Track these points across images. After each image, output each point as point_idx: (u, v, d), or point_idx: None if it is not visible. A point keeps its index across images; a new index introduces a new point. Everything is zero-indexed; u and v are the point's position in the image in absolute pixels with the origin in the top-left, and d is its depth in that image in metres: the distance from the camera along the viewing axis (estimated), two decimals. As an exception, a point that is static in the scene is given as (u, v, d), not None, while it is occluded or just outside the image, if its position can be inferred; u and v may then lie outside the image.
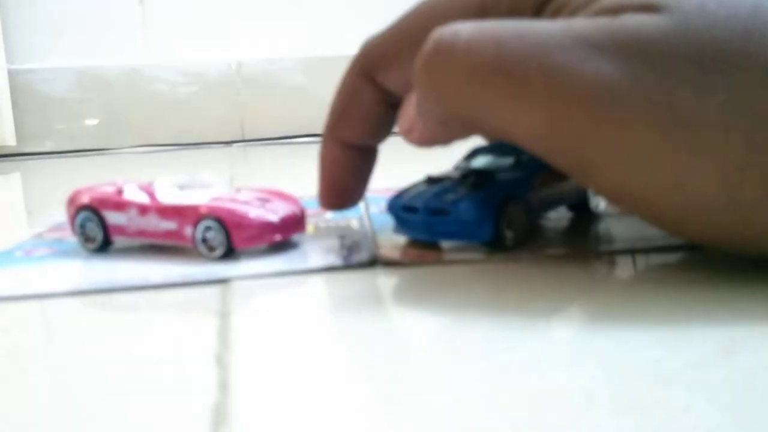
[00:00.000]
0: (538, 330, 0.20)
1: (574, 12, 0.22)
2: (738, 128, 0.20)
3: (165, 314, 0.25)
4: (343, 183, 0.31)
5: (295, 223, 0.30)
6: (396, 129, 0.28)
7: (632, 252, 0.27)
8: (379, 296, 0.25)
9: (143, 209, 0.30)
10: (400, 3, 0.29)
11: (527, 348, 0.19)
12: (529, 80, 0.22)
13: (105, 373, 0.19)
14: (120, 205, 0.30)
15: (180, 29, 0.93)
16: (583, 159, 0.22)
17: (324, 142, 0.30)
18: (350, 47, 0.29)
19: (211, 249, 0.28)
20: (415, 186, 0.30)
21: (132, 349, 0.21)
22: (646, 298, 0.22)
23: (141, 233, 0.30)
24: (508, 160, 0.30)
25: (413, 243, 0.29)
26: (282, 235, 0.29)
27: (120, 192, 0.31)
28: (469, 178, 0.28)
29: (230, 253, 0.28)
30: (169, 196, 0.30)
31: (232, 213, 0.28)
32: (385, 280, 0.26)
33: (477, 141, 0.29)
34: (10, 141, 0.86)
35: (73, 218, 0.31)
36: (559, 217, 0.32)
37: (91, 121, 0.91)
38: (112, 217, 0.30)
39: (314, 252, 0.29)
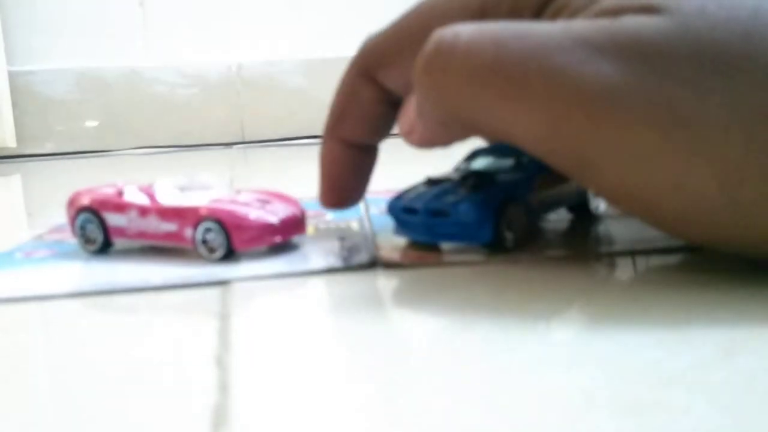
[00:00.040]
0: (538, 331, 0.20)
1: (574, 13, 0.22)
2: (738, 129, 0.20)
3: (165, 316, 0.25)
4: (344, 182, 0.31)
5: (295, 224, 0.30)
6: (396, 130, 0.28)
7: (632, 254, 0.27)
8: (379, 298, 0.25)
9: (143, 211, 0.30)
10: (400, 4, 0.29)
11: (527, 349, 0.19)
12: (529, 81, 0.22)
13: (105, 375, 0.19)
14: (120, 207, 0.30)
15: (180, 31, 0.93)
16: (583, 160, 0.22)
17: (324, 141, 0.30)
18: (350, 49, 0.30)
19: (212, 250, 0.28)
20: (415, 187, 0.30)
21: (132, 351, 0.21)
22: (646, 300, 0.22)
23: (141, 235, 0.30)
24: (508, 162, 0.30)
25: (413, 244, 0.29)
26: (282, 237, 0.29)
27: (120, 194, 0.31)
28: (469, 180, 0.28)
29: (230, 254, 0.28)
30: (169, 198, 0.30)
31: (232, 215, 0.28)
32: (385, 282, 0.26)
33: (477, 142, 0.29)
34: (10, 142, 0.86)
35: (73, 220, 0.31)
36: (559, 218, 0.32)
37: (91, 123, 0.91)
38: (113, 219, 0.30)
39: (314, 253, 0.29)
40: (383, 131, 0.30)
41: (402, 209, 0.29)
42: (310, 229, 0.32)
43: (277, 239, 0.29)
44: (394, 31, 0.28)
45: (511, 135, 0.23)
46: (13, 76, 0.87)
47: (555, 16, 0.23)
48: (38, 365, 0.21)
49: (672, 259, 0.26)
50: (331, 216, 0.35)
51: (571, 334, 0.20)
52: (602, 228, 0.31)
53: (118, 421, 0.16)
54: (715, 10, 0.20)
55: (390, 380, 0.18)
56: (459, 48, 0.23)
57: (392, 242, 0.30)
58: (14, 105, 0.87)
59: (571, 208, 0.32)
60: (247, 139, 0.92)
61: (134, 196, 0.30)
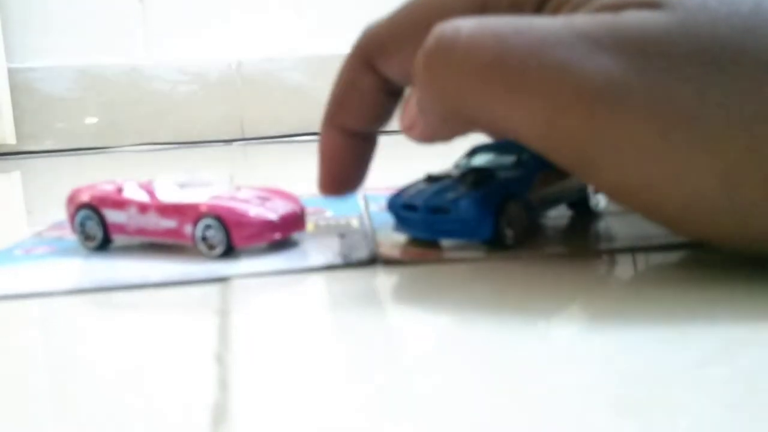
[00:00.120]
0: (538, 329, 0.20)
1: (575, 8, 0.22)
2: (738, 125, 0.20)
3: (165, 313, 0.25)
4: (343, 170, 0.31)
5: (294, 221, 0.30)
6: (397, 125, 0.28)
7: (632, 251, 0.27)
8: (378, 295, 0.25)
9: (143, 207, 0.30)
10: (399, 3, 0.29)
11: (527, 347, 0.19)
12: (529, 76, 0.22)
13: (105, 372, 0.19)
14: (120, 204, 0.30)
15: (180, 28, 0.93)
16: (583, 155, 0.22)
17: (323, 128, 0.30)
18: (349, 46, 0.29)
19: (211, 247, 0.28)
20: (415, 184, 0.30)
21: (132, 348, 0.21)
22: (646, 297, 0.22)
23: (141, 232, 0.30)
24: (508, 159, 0.30)
25: (413, 241, 0.29)
26: (282, 234, 0.29)
27: (120, 190, 0.31)
28: (469, 177, 0.28)
29: (230, 251, 0.28)
30: (168, 195, 0.30)
31: (231, 211, 0.28)
32: (384, 279, 0.26)
33: (478, 138, 0.29)
34: (9, 140, 0.86)
35: (72, 217, 0.31)
36: (559, 215, 0.32)
37: (91, 120, 0.91)
38: (112, 216, 0.30)
39: (314, 250, 0.29)
40: (383, 120, 0.30)
41: (402, 206, 0.29)
42: (309, 226, 0.32)
43: (277, 236, 0.29)
44: (395, 21, 0.27)
45: (512, 130, 0.23)
46: (12, 73, 0.87)
47: (556, 10, 0.23)
48: (38, 362, 0.21)
49: (672, 257, 0.26)
50: (330, 213, 0.35)
51: (571, 332, 0.20)
52: (602, 225, 0.31)
53: (118, 418, 0.16)
54: (716, 5, 0.20)
55: (389, 378, 0.18)
56: (460, 43, 0.23)
57: (392, 239, 0.29)
58: (14, 102, 0.87)
59: (572, 205, 0.32)
60: (246, 136, 0.92)
61: (134, 193, 0.30)
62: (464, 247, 0.28)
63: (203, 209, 0.29)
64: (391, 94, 0.29)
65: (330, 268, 0.27)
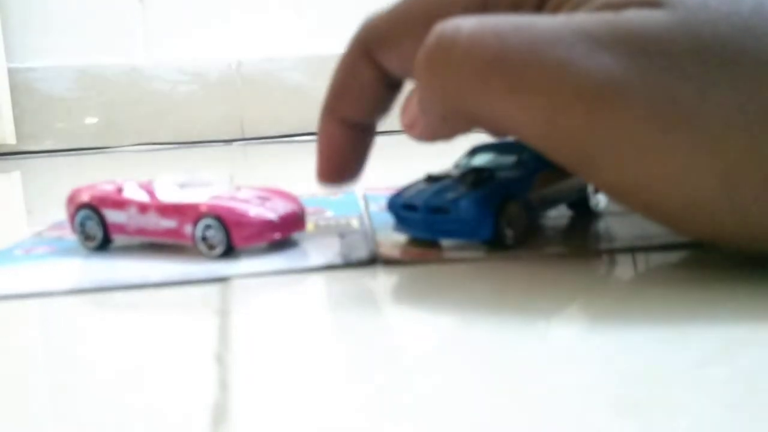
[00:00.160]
0: (538, 329, 0.20)
1: (576, 7, 0.22)
2: (738, 124, 0.20)
3: (165, 313, 0.25)
4: (342, 160, 0.31)
5: (294, 221, 0.30)
6: (396, 125, 0.28)
7: (632, 250, 0.27)
8: (378, 295, 0.25)
9: (143, 207, 0.30)
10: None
11: (527, 347, 0.19)
12: (530, 75, 0.22)
13: (105, 372, 0.19)
14: (120, 204, 0.30)
15: (180, 28, 0.93)
16: (583, 154, 0.22)
17: (322, 118, 0.30)
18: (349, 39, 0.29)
19: (211, 247, 0.28)
20: (415, 184, 0.30)
21: (132, 348, 0.21)
22: (646, 297, 0.22)
23: (141, 231, 0.30)
24: (508, 159, 0.30)
25: (413, 241, 0.29)
26: (282, 234, 0.29)
27: (120, 190, 0.31)
28: (469, 177, 0.28)
29: (230, 251, 0.28)
30: (168, 195, 0.30)
31: (231, 211, 0.28)
32: (384, 279, 0.26)
33: (478, 138, 0.29)
34: (9, 139, 0.86)
35: (72, 217, 0.31)
36: (559, 215, 0.32)
37: (91, 120, 0.91)
38: (112, 216, 0.30)
39: (314, 250, 0.29)
40: (382, 111, 0.30)
41: (402, 206, 0.29)
42: (309, 226, 0.32)
43: (277, 236, 0.29)
44: (396, 14, 0.27)
45: (512, 129, 0.23)
46: (12, 73, 0.87)
47: (557, 9, 0.23)
48: (37, 362, 0.21)
49: (672, 256, 0.26)
50: (330, 213, 0.35)
51: (571, 332, 0.20)
52: (602, 225, 0.31)
53: (118, 418, 0.16)
54: (717, 4, 0.20)
55: (389, 378, 0.18)
56: (460, 42, 0.23)
57: (392, 239, 0.29)
58: (14, 102, 0.87)
59: (572, 205, 0.32)
60: (246, 136, 0.92)
61: (134, 193, 0.30)
62: (464, 247, 0.28)
63: (203, 209, 0.29)
64: (391, 86, 0.29)
65: (330, 268, 0.27)
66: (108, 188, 0.31)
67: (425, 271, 0.26)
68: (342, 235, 0.31)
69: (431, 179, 0.29)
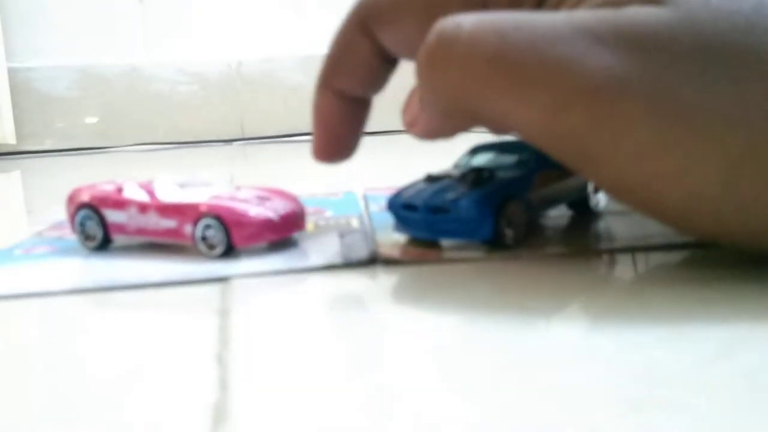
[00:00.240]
0: (538, 328, 0.20)
1: (577, 4, 0.22)
2: (739, 122, 0.20)
3: (165, 312, 0.25)
4: (337, 134, 0.30)
5: (294, 221, 0.30)
6: (399, 124, 0.28)
7: (632, 250, 0.27)
8: (378, 295, 0.25)
9: (143, 207, 0.30)
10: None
11: (527, 346, 0.19)
12: (530, 72, 0.22)
13: (105, 372, 0.19)
14: (120, 204, 0.30)
15: (180, 28, 0.93)
16: (584, 151, 0.22)
17: (317, 92, 0.30)
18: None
19: (211, 247, 0.28)
20: (414, 184, 0.30)
21: (132, 348, 0.21)
22: (646, 297, 0.22)
23: (141, 231, 0.30)
24: (508, 159, 0.30)
25: (413, 241, 0.29)
26: (282, 234, 0.29)
27: (120, 190, 0.31)
28: (469, 177, 0.28)
29: (230, 251, 0.28)
30: (168, 195, 0.30)
31: (231, 211, 0.28)
32: (384, 279, 0.26)
33: (478, 138, 0.29)
34: (10, 139, 0.86)
35: (72, 216, 0.31)
36: (559, 215, 0.32)
37: (91, 120, 0.90)
38: (112, 216, 0.30)
39: (314, 250, 0.29)
40: (377, 85, 0.30)
41: (402, 206, 0.29)
42: (309, 225, 0.32)
43: (277, 236, 0.29)
44: None
45: (513, 126, 0.23)
46: (12, 73, 0.87)
47: (558, 5, 0.23)
48: (37, 362, 0.21)
49: (672, 256, 0.26)
50: (330, 213, 0.35)
51: (572, 332, 0.20)
52: (602, 225, 0.31)
53: (118, 418, 0.16)
54: (718, 2, 0.20)
55: (389, 377, 0.18)
56: (461, 39, 0.23)
57: (392, 239, 0.29)
58: (14, 102, 0.87)
59: (572, 205, 0.32)
60: (246, 136, 0.92)
61: (134, 193, 0.30)
62: (464, 247, 0.28)
63: (203, 209, 0.29)
64: (386, 61, 0.29)
65: (330, 268, 0.27)
66: (108, 188, 0.31)
67: (425, 271, 0.26)
68: (342, 235, 0.31)
69: (431, 179, 0.29)
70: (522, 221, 0.28)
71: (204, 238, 0.28)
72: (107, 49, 0.91)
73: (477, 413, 0.15)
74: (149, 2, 0.92)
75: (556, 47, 0.21)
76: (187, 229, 0.29)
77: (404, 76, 0.29)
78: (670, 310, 0.21)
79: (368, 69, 0.29)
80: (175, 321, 0.24)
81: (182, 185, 0.30)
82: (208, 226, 0.28)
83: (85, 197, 0.31)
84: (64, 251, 0.31)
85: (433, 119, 0.25)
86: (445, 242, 0.29)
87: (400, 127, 0.27)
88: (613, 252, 0.28)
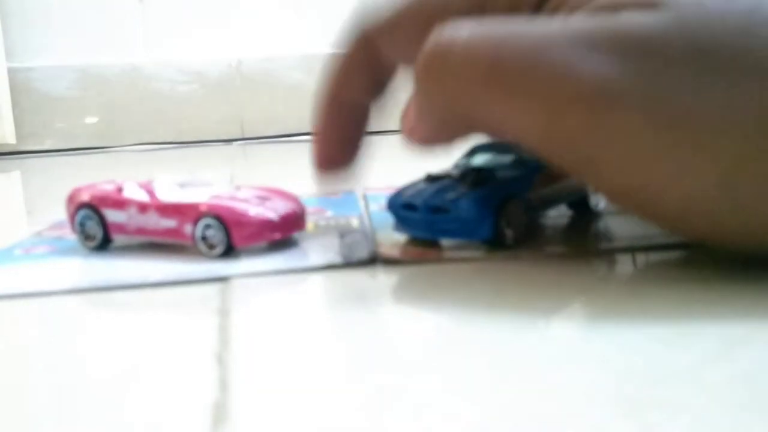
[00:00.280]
0: (538, 328, 0.20)
1: (573, 9, 0.22)
2: (736, 124, 0.20)
3: (165, 312, 0.25)
4: (337, 142, 0.31)
5: (294, 221, 0.30)
6: (397, 126, 0.28)
7: (632, 250, 0.27)
8: (378, 294, 0.25)
9: (143, 207, 0.30)
10: (398, 3, 0.29)
11: (527, 346, 0.19)
12: (527, 79, 0.22)
13: (105, 372, 0.19)
14: (120, 203, 0.30)
15: (180, 27, 0.93)
16: (581, 156, 0.22)
17: (319, 102, 0.30)
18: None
19: (211, 247, 0.28)
20: (415, 184, 0.30)
21: (131, 348, 0.21)
22: (645, 297, 0.22)
23: (141, 231, 0.30)
24: (508, 158, 0.30)
25: (413, 241, 0.29)
26: (282, 233, 0.29)
27: (120, 190, 0.31)
28: (469, 176, 0.28)
29: (230, 251, 0.28)
30: (168, 194, 0.30)
31: (231, 211, 0.28)
32: (384, 279, 0.26)
33: (477, 139, 0.29)
34: (9, 139, 0.86)
35: (72, 216, 0.31)
36: (559, 215, 0.32)
37: (91, 120, 0.90)
38: (112, 215, 0.30)
39: (314, 250, 0.29)
40: (377, 93, 0.30)
41: (402, 206, 0.29)
42: (309, 225, 0.32)
43: (277, 236, 0.29)
44: (398, 6, 0.27)
45: (511, 133, 0.23)
46: (12, 73, 0.87)
47: (554, 11, 0.23)
48: (37, 362, 0.21)
49: (672, 256, 0.26)
50: (330, 213, 0.35)
51: (571, 331, 0.20)
52: (602, 225, 0.31)
53: (118, 418, 0.16)
54: (712, 5, 0.20)
55: (389, 377, 0.18)
56: (457, 47, 0.23)
57: (392, 239, 0.29)
58: (14, 102, 0.87)
59: (571, 205, 0.32)
60: (246, 136, 0.92)
61: (134, 193, 0.30)
62: (464, 247, 0.28)
63: (203, 209, 0.29)
64: (389, 70, 0.29)
65: (330, 267, 0.27)
66: (108, 188, 0.31)
67: (425, 270, 0.26)
68: (342, 235, 0.31)
69: (431, 179, 0.29)
70: (522, 221, 0.28)
71: (204, 238, 0.28)
72: (107, 49, 0.91)
73: (477, 413, 0.15)
74: (149, 2, 0.92)
75: (550, 55, 0.21)
76: (187, 228, 0.29)
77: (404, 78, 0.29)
78: (669, 310, 0.21)
79: (369, 76, 0.29)
80: (175, 321, 0.24)
81: (182, 185, 0.30)
82: (208, 226, 0.28)
83: (85, 197, 0.31)
84: (64, 251, 0.31)
85: (430, 127, 0.26)
86: (445, 242, 0.29)
87: (401, 134, 0.27)
88: (612, 252, 0.28)
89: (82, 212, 0.31)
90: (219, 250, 0.28)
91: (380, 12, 0.28)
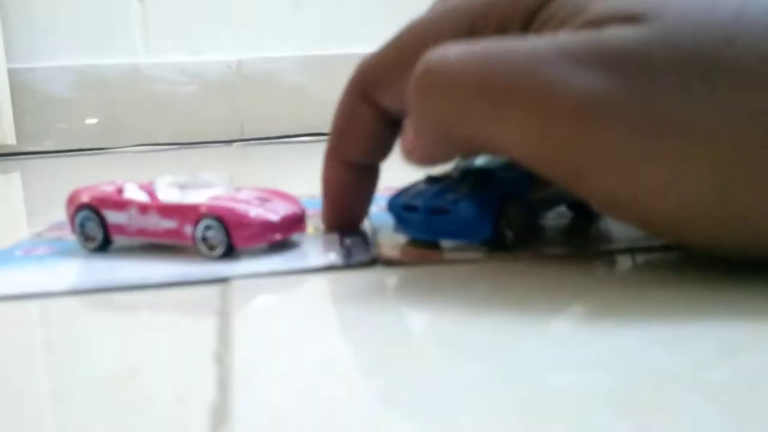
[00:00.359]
0: (538, 329, 0.20)
1: (559, 25, 0.23)
2: (724, 132, 0.20)
3: (165, 313, 0.25)
4: (347, 203, 0.31)
5: (295, 222, 0.30)
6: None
7: (632, 251, 0.27)
8: (379, 295, 0.25)
9: (143, 208, 0.30)
10: (398, 2, 0.29)
11: (527, 347, 0.19)
12: (516, 96, 0.22)
13: (104, 372, 0.19)
14: (120, 204, 0.30)
15: (180, 28, 0.93)
16: (572, 170, 0.23)
17: (326, 162, 0.31)
18: (349, 46, 0.30)
19: (212, 248, 0.28)
20: (415, 185, 0.30)
21: (132, 349, 0.21)
22: (645, 298, 0.22)
23: (141, 232, 0.30)
24: (507, 159, 0.30)
25: (413, 242, 0.29)
26: (282, 235, 0.29)
27: (120, 191, 0.31)
28: (469, 178, 0.28)
29: (230, 252, 0.28)
30: (169, 195, 0.30)
31: (232, 212, 0.28)
32: (385, 280, 0.26)
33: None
34: (10, 140, 0.86)
35: (72, 217, 0.31)
36: (559, 216, 0.32)
37: (91, 121, 0.90)
38: (112, 216, 0.30)
39: (314, 251, 0.29)
40: (384, 151, 0.30)
41: (402, 207, 0.29)
42: (310, 228, 0.32)
43: (277, 237, 0.29)
44: (389, 52, 0.28)
45: (503, 149, 0.24)
46: (12, 74, 0.87)
47: (541, 28, 0.23)
48: (37, 363, 0.21)
49: (671, 257, 0.26)
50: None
51: (571, 332, 0.20)
52: (602, 226, 0.31)
53: (118, 419, 0.16)
54: (696, 16, 0.21)
55: (390, 378, 0.18)
56: (448, 67, 0.23)
57: (392, 240, 0.29)
58: (14, 103, 0.87)
59: (571, 206, 0.32)
60: (246, 137, 0.92)
61: (134, 194, 0.30)
62: (464, 248, 0.28)
63: (203, 210, 0.29)
64: (391, 125, 0.29)
65: (330, 269, 0.27)
66: (108, 189, 0.31)
67: (425, 272, 0.26)
68: (342, 236, 0.31)
69: (431, 180, 0.29)
70: (522, 222, 0.28)
71: (204, 239, 0.28)
72: (107, 50, 0.91)
73: (476, 413, 0.15)
74: (149, 3, 0.92)
75: (539, 70, 0.22)
76: (188, 229, 0.29)
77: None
78: (669, 312, 0.21)
79: (373, 135, 0.29)
80: (175, 322, 0.24)
81: (182, 186, 0.30)
82: (208, 227, 0.28)
83: (85, 198, 0.31)
84: (64, 252, 0.31)
85: (428, 146, 0.26)
86: (446, 243, 0.29)
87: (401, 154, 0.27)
88: (612, 253, 0.28)
89: (83, 213, 0.31)
90: (219, 251, 0.28)
91: (374, 64, 0.28)
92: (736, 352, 0.18)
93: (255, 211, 0.29)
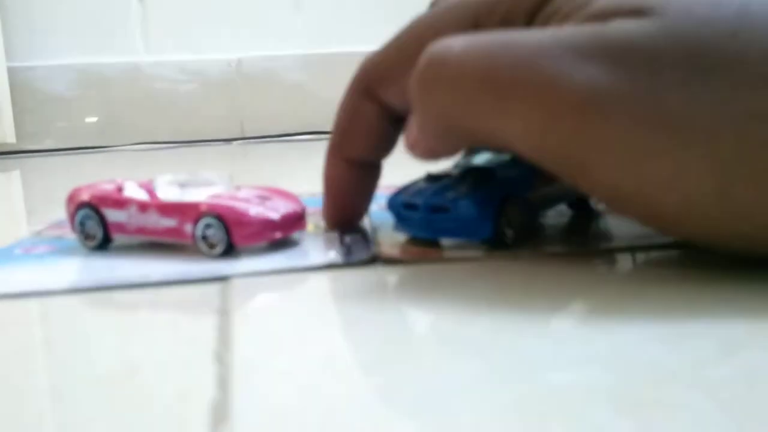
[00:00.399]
0: (538, 328, 0.20)
1: (564, 19, 0.23)
2: (728, 127, 0.20)
3: (165, 312, 0.25)
4: (348, 200, 0.31)
5: (295, 220, 0.30)
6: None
7: (632, 249, 0.27)
8: (379, 294, 0.25)
9: (143, 206, 0.30)
10: (398, 2, 0.29)
11: (527, 346, 0.19)
12: (519, 89, 0.22)
13: (104, 371, 0.19)
14: (120, 203, 0.30)
15: (179, 27, 0.93)
16: (576, 164, 0.22)
17: (328, 160, 0.31)
18: (349, 45, 0.30)
19: (212, 246, 0.28)
20: (415, 183, 0.30)
21: (131, 347, 0.21)
22: (646, 296, 0.22)
23: (141, 231, 0.30)
24: (508, 158, 0.30)
25: (413, 240, 0.29)
26: (282, 233, 0.29)
27: (120, 189, 0.31)
28: (469, 176, 0.28)
29: (230, 250, 0.28)
30: (169, 194, 0.30)
31: (232, 210, 0.28)
32: (385, 278, 0.26)
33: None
34: (9, 139, 0.86)
35: (72, 216, 0.31)
36: (559, 215, 0.32)
37: (91, 119, 0.90)
38: (112, 215, 0.30)
39: (314, 249, 0.29)
40: (386, 148, 0.30)
41: (402, 205, 0.29)
42: (310, 226, 0.32)
43: (278, 235, 0.29)
44: (392, 49, 0.28)
45: (506, 142, 0.24)
46: (12, 73, 0.87)
47: (546, 22, 0.23)
48: (37, 361, 0.21)
49: (672, 255, 0.26)
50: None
51: (571, 331, 0.20)
52: (602, 224, 0.31)
53: (118, 417, 0.16)
54: (701, 10, 0.21)
55: (390, 376, 0.18)
56: (451, 60, 0.23)
57: (392, 238, 0.29)
58: (14, 101, 0.87)
59: (571, 205, 0.32)
60: (246, 135, 0.92)
61: (134, 192, 0.30)
62: (464, 247, 0.28)
63: (203, 208, 0.29)
64: (394, 123, 0.29)
65: (330, 267, 0.27)
66: (108, 187, 0.31)
67: (425, 270, 0.26)
68: (342, 235, 0.31)
69: (431, 178, 0.29)
70: (522, 220, 0.28)
71: (204, 237, 0.28)
72: (107, 49, 0.91)
73: (477, 411, 0.15)
74: (149, 1, 0.92)
75: (543, 64, 0.22)
76: (188, 228, 0.29)
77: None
78: (669, 310, 0.21)
79: (376, 132, 0.29)
80: (175, 320, 0.24)
81: (182, 184, 0.30)
82: (208, 225, 0.28)
83: (84, 196, 0.31)
84: (64, 250, 0.31)
85: (430, 140, 0.26)
86: (446, 241, 0.29)
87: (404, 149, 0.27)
88: (612, 251, 0.28)
89: (82, 212, 0.31)
90: (219, 249, 0.28)
91: (377, 61, 0.28)
92: (736, 349, 0.18)
93: (255, 210, 0.29)
